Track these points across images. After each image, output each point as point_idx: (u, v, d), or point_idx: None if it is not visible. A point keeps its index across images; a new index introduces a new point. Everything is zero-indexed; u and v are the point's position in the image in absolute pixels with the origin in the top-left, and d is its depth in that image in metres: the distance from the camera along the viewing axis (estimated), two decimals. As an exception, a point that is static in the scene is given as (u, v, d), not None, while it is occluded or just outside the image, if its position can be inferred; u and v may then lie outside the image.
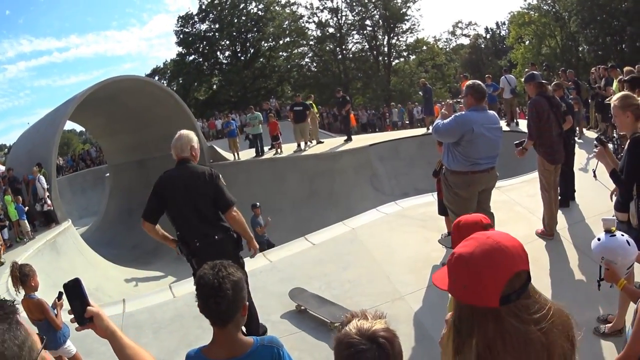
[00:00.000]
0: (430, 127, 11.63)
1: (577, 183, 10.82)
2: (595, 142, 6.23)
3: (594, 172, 6.92)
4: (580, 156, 13.00)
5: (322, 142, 26.36)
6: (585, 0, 58.43)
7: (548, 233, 9.30)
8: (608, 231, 4.64)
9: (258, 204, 17.48)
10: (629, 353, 3.62)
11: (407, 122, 44.05)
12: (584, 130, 19.14)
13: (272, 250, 10.13)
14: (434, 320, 7.00)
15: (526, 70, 23.68)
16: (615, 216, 5.90)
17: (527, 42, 67.08)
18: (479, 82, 8.28)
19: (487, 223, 4.13)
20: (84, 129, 54.99)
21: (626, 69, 14.29)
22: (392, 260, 8.84)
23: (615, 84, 15.28)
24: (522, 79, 11.17)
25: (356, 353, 2.15)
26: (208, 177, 6.55)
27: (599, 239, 4.65)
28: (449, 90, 65.65)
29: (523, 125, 20.77)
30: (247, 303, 3.23)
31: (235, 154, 26.73)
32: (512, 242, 2.13)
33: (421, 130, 26.50)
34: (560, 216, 9.68)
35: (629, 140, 6.04)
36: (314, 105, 26.31)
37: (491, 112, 8.27)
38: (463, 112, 7.99)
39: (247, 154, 26.76)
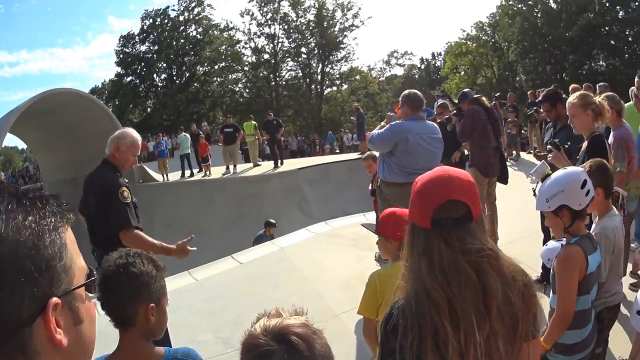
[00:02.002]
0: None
1: (518, 200, 10.52)
2: (549, 146, 6.02)
3: (534, 190, 6.72)
4: (518, 177, 13.01)
5: (260, 165, 25.83)
6: (527, 29, 59.66)
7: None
8: (545, 177, 4.17)
9: (274, 221, 16.20)
10: None
11: (337, 150, 43.94)
12: (521, 153, 19.33)
13: (198, 269, 9.57)
14: None
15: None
16: None
17: (462, 72, 67.71)
18: (415, 91, 8.00)
19: None
20: (25, 147, 54.24)
21: (572, 86, 14.23)
22: (324, 279, 8.38)
23: None
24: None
25: (259, 357, 1.66)
26: (105, 189, 5.46)
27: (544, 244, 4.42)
28: (381, 119, 65.69)
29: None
30: (154, 305, 2.62)
31: (165, 175, 26.08)
32: (461, 176, 2.26)
33: (352, 155, 26.32)
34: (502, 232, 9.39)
35: (586, 141, 5.95)
36: (257, 126, 25.79)
37: (431, 122, 7.98)
38: (399, 121, 7.65)
39: (177, 175, 26.09)
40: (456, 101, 11.85)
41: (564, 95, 8.99)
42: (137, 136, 5.89)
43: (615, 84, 28.58)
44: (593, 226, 4.74)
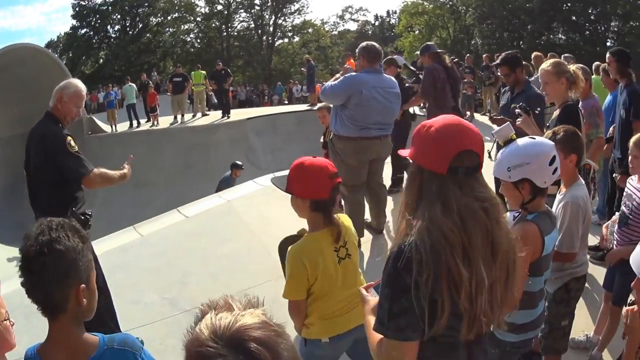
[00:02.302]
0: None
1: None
2: (518, 110, 5.74)
3: (489, 152, 6.57)
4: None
5: (208, 114, 25.26)
6: None
7: None
8: (509, 141, 3.73)
9: (240, 163, 15.61)
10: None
11: (286, 101, 43.52)
12: (475, 114, 19.36)
13: (143, 224, 9.10)
14: None
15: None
16: None
17: (416, 32, 66.58)
18: (373, 42, 7.61)
19: (334, 172, 3.60)
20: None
21: (535, 54, 14.07)
22: (272, 234, 7.93)
23: None
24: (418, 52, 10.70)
25: None
26: (49, 142, 5.08)
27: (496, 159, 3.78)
28: (331, 73, 65.37)
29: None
30: (84, 286, 2.15)
31: (113, 126, 25.23)
32: (474, 128, 2.30)
33: (301, 107, 25.92)
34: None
35: (558, 110, 5.71)
36: (205, 76, 25.17)
37: (388, 76, 7.60)
38: (353, 73, 7.26)
39: (126, 126, 25.33)
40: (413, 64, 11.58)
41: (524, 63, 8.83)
42: (81, 86, 5.40)
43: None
44: (558, 196, 4.50)
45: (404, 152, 2.49)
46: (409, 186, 2.37)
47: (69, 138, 5.07)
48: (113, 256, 7.38)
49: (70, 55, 64.64)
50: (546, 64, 5.81)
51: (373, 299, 2.62)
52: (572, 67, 5.89)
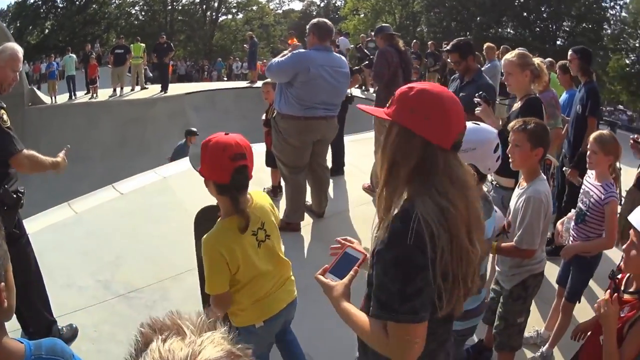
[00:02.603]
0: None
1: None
2: (477, 99, 5.61)
3: None
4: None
5: (147, 88, 24.51)
6: None
7: (373, 189, 8.53)
8: None
9: (195, 129, 15.21)
10: None
11: (225, 78, 43.05)
12: None
13: (78, 200, 8.66)
14: None
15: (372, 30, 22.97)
16: (498, 181, 5.33)
17: (362, 15, 66.38)
18: (325, 19, 7.33)
19: (240, 152, 3.20)
20: None
21: (487, 45, 14.07)
22: (209, 216, 7.73)
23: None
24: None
25: None
26: None
27: None
28: (272, 51, 64.84)
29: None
30: (3, 284, 1.69)
31: (53, 97, 24.38)
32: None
33: (240, 83, 25.57)
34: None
35: (520, 102, 5.59)
36: (144, 49, 24.62)
37: (338, 55, 7.33)
38: (301, 50, 6.97)
39: (65, 97, 24.44)
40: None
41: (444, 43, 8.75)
42: (17, 48, 4.87)
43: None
44: (518, 189, 4.38)
45: (381, 115, 2.30)
46: (403, 156, 2.15)
47: (2, 111, 4.54)
48: (45, 235, 7.00)
49: (18, 24, 62.54)
50: (511, 55, 5.67)
51: (337, 283, 2.40)
52: (537, 61, 5.85)
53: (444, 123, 2.10)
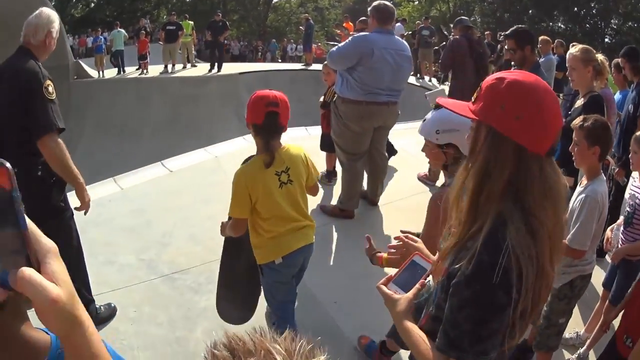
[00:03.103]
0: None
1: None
2: None
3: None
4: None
5: (197, 66, 24.39)
6: None
7: (431, 179, 8.54)
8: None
9: None
10: None
11: (279, 59, 43.20)
12: None
13: (124, 176, 8.59)
14: (313, 274, 5.52)
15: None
16: None
17: (416, 2, 66.76)
18: (385, 2, 7.04)
19: (274, 101, 4.05)
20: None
21: (542, 38, 13.91)
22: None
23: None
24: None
25: None
26: (26, 80, 4.32)
27: (424, 120, 3.66)
28: (326, 35, 64.83)
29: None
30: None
31: (101, 72, 24.36)
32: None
33: (295, 65, 25.44)
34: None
35: (582, 99, 5.50)
36: (193, 27, 24.41)
37: (399, 39, 7.16)
38: (363, 33, 6.79)
39: (114, 72, 24.39)
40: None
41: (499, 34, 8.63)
42: (52, 11, 4.82)
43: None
44: (579, 188, 4.28)
45: (464, 112, 1.98)
46: (489, 164, 1.83)
47: (49, 82, 4.43)
48: (89, 210, 6.89)
49: (60, -5, 63.04)
50: (575, 49, 5.63)
51: (401, 297, 2.16)
52: (600, 57, 5.79)
53: (540, 124, 1.78)
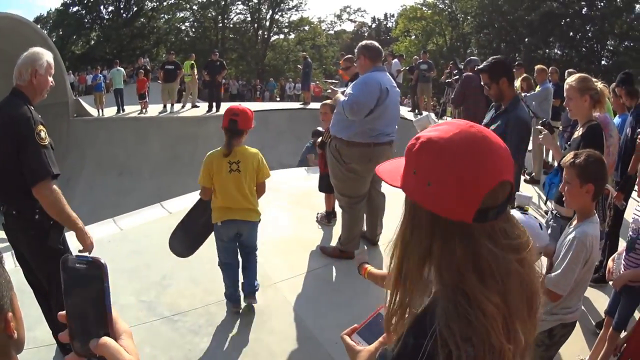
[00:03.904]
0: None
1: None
2: (539, 126, 5.52)
3: None
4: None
5: (198, 107, 24.49)
6: (486, 4, 60.64)
7: None
8: (521, 208, 3.90)
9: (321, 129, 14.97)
10: None
11: (278, 98, 43.46)
12: None
13: (124, 217, 8.67)
14: (313, 315, 5.97)
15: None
16: (558, 211, 5.18)
17: (413, 37, 67.60)
18: (372, 41, 7.20)
19: (235, 111, 6.05)
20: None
21: (538, 67, 13.82)
22: (261, 240, 7.55)
23: (517, 82, 14.74)
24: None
25: None
26: (18, 126, 4.37)
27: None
28: (324, 73, 65.14)
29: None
30: (11, 313, 1.53)
31: (100, 110, 24.56)
32: (499, 141, 1.54)
33: (293, 105, 25.61)
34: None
35: (582, 129, 5.40)
36: (193, 66, 24.43)
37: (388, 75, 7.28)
38: (369, 74, 6.84)
39: (113, 111, 24.59)
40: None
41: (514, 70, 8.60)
42: (48, 52, 4.81)
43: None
44: (568, 227, 4.19)
45: (392, 181, 1.66)
46: (406, 239, 1.61)
47: (41, 127, 4.45)
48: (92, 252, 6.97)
49: (61, 33, 63.21)
50: (571, 79, 5.51)
51: (363, 349, 2.14)
52: (599, 85, 5.58)
53: (455, 189, 1.47)
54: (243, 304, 6.17)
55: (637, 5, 55.07)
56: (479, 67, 6.22)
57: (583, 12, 57.38)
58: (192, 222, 6.45)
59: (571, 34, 58.49)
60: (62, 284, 1.27)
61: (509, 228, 1.55)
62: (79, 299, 1.28)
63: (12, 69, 4.79)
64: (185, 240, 6.45)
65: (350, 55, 9.38)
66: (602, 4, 55.94)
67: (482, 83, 6.08)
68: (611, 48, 57.83)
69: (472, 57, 9.86)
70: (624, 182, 6.60)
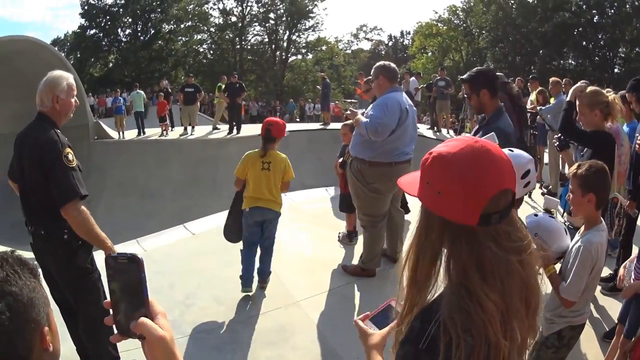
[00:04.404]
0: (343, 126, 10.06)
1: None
2: (555, 142, 5.61)
3: None
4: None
5: (219, 129, 24.51)
6: (500, 18, 60.88)
7: None
8: (548, 211, 4.04)
9: None
10: None
11: (297, 119, 43.56)
12: None
13: (147, 238, 8.83)
14: (336, 332, 6.03)
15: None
16: (570, 222, 5.23)
17: (429, 53, 67.82)
18: (389, 62, 7.31)
19: (269, 122, 7.22)
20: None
21: (552, 79, 13.73)
22: (283, 259, 7.69)
23: (533, 95, 14.91)
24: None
25: None
26: (45, 150, 4.49)
27: (535, 215, 3.98)
28: (343, 92, 65.22)
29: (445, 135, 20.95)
30: (47, 328, 1.62)
31: (121, 133, 24.76)
32: (502, 154, 1.75)
33: (313, 125, 25.65)
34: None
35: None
36: (220, 88, 24.43)
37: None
38: (388, 95, 6.95)
39: (134, 133, 24.83)
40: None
41: (509, 79, 8.56)
42: (68, 75, 4.88)
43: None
44: (577, 235, 4.23)
45: (407, 188, 1.91)
46: (420, 241, 1.81)
47: (68, 149, 4.57)
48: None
49: (79, 55, 63.76)
50: (583, 94, 5.68)
51: (375, 333, 2.30)
52: (612, 96, 5.71)
53: (461, 196, 1.67)
54: (254, 290, 7.01)
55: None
56: (461, 77, 6.16)
57: (595, 21, 57.79)
58: (236, 210, 7.28)
59: (584, 43, 58.77)
60: (107, 276, 1.55)
61: (512, 231, 1.73)
62: (121, 286, 1.55)
63: (32, 91, 4.89)
64: (234, 227, 7.34)
65: (369, 78, 9.50)
66: (612, 11, 56.34)
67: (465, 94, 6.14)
68: (623, 55, 58.08)
69: (497, 74, 9.57)
70: (637, 190, 6.61)
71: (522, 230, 1.77)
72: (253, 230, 7.01)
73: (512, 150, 3.55)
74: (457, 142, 1.74)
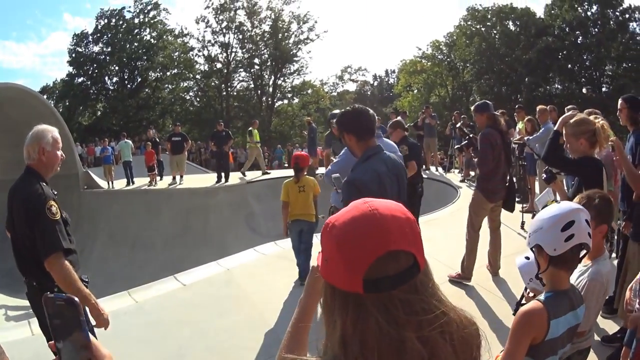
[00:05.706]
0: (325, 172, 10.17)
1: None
2: (544, 174, 5.71)
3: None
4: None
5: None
6: (484, 50, 61.53)
7: (465, 277, 8.45)
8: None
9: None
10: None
11: (286, 164, 43.66)
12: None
13: (138, 289, 8.85)
14: None
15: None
16: None
17: (415, 91, 68.40)
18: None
19: (297, 157, 9.76)
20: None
21: (539, 107, 13.82)
22: (274, 307, 7.76)
23: (521, 124, 15.17)
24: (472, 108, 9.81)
25: None
26: (30, 203, 4.60)
27: (527, 257, 3.84)
28: (330, 136, 65.36)
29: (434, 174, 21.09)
30: None
31: (110, 182, 24.89)
32: (395, 213, 1.55)
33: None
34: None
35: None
36: (256, 133, 24.76)
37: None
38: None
39: (123, 183, 24.93)
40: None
41: (499, 112, 8.66)
42: (52, 128, 5.02)
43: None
44: (581, 266, 4.17)
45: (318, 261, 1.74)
46: (323, 310, 1.65)
47: (52, 202, 4.64)
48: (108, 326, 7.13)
49: (67, 104, 64.08)
50: (566, 124, 5.79)
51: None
52: (600, 123, 5.75)
53: (341, 263, 1.51)
54: None
55: (631, 24, 56.04)
56: (332, 113, 7.49)
57: (579, 42, 58.46)
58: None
59: (569, 65, 59.22)
60: (47, 317, 1.57)
61: (415, 300, 1.50)
62: (62, 327, 1.57)
63: (21, 138, 5.02)
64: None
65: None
66: (595, 30, 57.15)
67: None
68: (610, 73, 58.50)
69: (486, 102, 8.89)
70: (632, 210, 6.61)
71: (434, 300, 1.54)
72: (294, 238, 9.26)
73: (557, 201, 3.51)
74: (349, 207, 1.62)
